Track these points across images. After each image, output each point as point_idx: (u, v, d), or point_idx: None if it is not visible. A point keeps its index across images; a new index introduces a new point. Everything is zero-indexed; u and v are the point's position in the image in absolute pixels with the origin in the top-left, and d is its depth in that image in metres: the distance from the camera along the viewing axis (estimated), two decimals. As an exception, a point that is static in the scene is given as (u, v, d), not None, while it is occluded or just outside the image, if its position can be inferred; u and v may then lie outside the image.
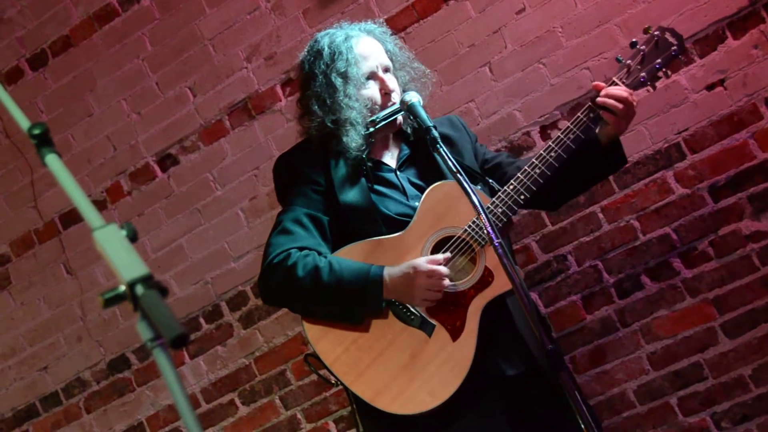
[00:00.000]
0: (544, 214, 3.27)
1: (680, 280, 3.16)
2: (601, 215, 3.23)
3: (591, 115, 2.34)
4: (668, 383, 3.19)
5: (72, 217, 3.88)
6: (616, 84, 2.35)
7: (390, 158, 2.55)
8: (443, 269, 2.28)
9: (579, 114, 2.35)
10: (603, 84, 2.36)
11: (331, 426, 3.59)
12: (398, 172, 2.51)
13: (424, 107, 2.32)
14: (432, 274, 2.26)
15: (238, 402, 3.72)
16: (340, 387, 2.36)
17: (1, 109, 1.53)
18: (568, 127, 2.34)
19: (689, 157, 3.14)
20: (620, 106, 2.30)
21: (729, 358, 3.12)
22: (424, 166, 2.52)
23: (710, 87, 3.12)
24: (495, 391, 2.33)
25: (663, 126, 3.17)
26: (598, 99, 2.33)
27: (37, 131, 1.40)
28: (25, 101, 3.91)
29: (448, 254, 2.32)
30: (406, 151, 2.57)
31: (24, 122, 1.42)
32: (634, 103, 2.34)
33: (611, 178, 3.18)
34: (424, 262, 2.29)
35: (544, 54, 3.28)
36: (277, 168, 2.58)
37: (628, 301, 3.21)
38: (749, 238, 3.09)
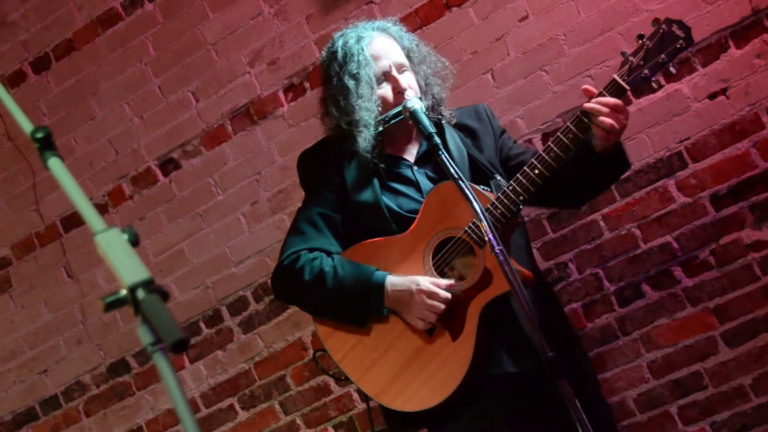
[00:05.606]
0: (545, 221, 3.27)
1: (681, 288, 3.15)
2: (602, 223, 3.23)
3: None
4: (668, 392, 3.18)
5: (73, 220, 3.88)
6: (617, 82, 2.26)
7: (410, 153, 2.57)
8: (444, 293, 2.30)
9: (577, 111, 2.28)
10: (592, 89, 2.29)
11: (331, 431, 3.59)
12: (415, 168, 2.52)
13: (446, 99, 2.42)
14: (432, 296, 2.29)
15: (237, 407, 3.72)
16: (341, 393, 2.37)
17: (4, 112, 1.54)
18: (567, 126, 2.29)
19: (691, 165, 3.14)
20: (605, 110, 2.22)
21: (729, 367, 3.12)
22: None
23: (712, 96, 3.12)
24: (499, 388, 2.33)
25: (665, 134, 3.17)
26: (585, 105, 2.26)
27: (39, 135, 1.40)
28: (28, 104, 3.91)
29: (452, 281, 2.33)
30: (426, 145, 2.56)
31: (27, 125, 1.43)
32: (622, 115, 2.25)
33: (613, 186, 3.17)
34: (427, 282, 2.32)
35: (546, 61, 3.28)
36: (298, 165, 2.64)
37: (629, 310, 3.21)
38: (750, 248, 3.08)
